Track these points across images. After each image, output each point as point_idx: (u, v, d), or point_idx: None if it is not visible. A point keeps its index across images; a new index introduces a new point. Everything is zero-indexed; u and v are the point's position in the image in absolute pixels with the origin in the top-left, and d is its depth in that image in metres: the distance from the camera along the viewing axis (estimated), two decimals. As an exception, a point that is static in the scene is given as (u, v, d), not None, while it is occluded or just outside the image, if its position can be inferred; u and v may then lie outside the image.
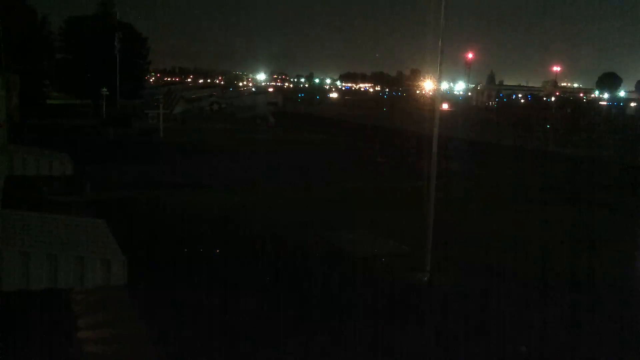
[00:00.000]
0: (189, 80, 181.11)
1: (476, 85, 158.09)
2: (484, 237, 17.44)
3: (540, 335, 11.13)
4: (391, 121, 64.25)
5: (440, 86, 15.62)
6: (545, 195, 24.76)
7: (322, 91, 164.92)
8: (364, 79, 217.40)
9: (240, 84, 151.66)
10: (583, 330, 11.45)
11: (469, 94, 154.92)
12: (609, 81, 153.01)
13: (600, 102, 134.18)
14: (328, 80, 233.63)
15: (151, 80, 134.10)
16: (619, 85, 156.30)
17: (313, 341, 10.47)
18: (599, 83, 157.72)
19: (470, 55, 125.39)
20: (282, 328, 10.91)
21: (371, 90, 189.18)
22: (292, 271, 13.87)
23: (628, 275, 15.28)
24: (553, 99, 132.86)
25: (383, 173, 28.83)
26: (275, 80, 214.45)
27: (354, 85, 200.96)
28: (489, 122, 69.13)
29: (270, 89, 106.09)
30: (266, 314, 11.48)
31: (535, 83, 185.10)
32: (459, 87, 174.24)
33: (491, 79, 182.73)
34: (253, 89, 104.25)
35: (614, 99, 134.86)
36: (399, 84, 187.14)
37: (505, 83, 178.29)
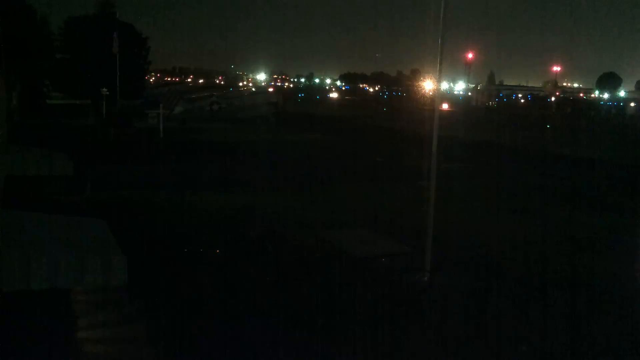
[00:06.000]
0: (189, 80, 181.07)
1: (476, 85, 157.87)
2: (485, 237, 17.46)
3: (540, 335, 11.13)
4: (391, 121, 64.27)
5: (440, 86, 15.61)
6: (546, 195, 24.80)
7: (322, 91, 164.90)
8: (364, 79, 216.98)
9: (240, 84, 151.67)
10: (583, 330, 11.45)
11: (469, 94, 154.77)
12: (609, 81, 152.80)
13: (600, 102, 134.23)
14: (328, 80, 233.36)
15: (151, 80, 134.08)
16: (619, 85, 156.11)
17: (313, 342, 10.47)
18: (599, 83, 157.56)
19: (470, 55, 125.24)
20: (281, 328, 10.91)
21: (371, 90, 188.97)
22: (292, 271, 13.87)
23: (628, 275, 15.27)
24: (553, 98, 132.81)
25: (383, 173, 28.83)
26: (275, 80, 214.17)
27: (352, 85, 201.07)
28: (490, 122, 69.13)
29: (270, 89, 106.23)
30: (266, 314, 11.48)
31: (535, 83, 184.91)
32: (459, 87, 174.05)
33: (491, 79, 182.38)
34: (253, 89, 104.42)
35: (614, 99, 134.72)
36: (399, 84, 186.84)
37: (505, 83, 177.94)
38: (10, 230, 8.53)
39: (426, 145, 14.59)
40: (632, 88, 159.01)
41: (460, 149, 35.03)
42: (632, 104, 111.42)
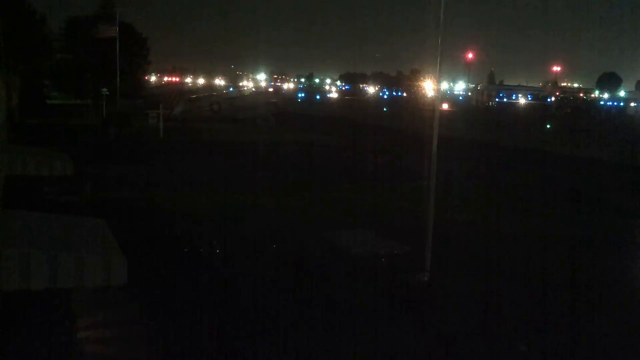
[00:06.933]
0: (189, 80, 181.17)
1: (476, 85, 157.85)
2: (485, 237, 17.46)
3: (540, 336, 11.13)
4: (391, 121, 64.25)
5: (440, 86, 15.61)
6: (546, 195, 24.79)
7: (322, 91, 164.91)
8: (364, 79, 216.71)
9: (240, 84, 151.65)
10: (583, 330, 11.45)
11: (469, 94, 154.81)
12: (609, 81, 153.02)
13: (600, 102, 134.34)
14: (328, 80, 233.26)
15: (151, 80, 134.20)
16: (619, 85, 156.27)
17: (313, 341, 10.46)
18: (599, 83, 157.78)
19: (470, 55, 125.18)
20: (281, 328, 10.91)
21: (371, 90, 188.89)
22: (292, 271, 13.86)
23: (629, 276, 15.28)
24: (553, 98, 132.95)
25: (383, 173, 28.83)
26: (275, 80, 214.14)
27: (352, 85, 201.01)
28: (489, 122, 69.14)
29: (270, 89, 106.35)
30: (266, 313, 11.48)
31: (535, 83, 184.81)
32: (459, 87, 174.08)
33: (491, 79, 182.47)
34: (253, 89, 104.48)
35: (614, 99, 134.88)
36: (399, 84, 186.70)
37: (505, 83, 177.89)
38: (10, 230, 8.54)
39: (426, 145, 14.59)
40: (632, 88, 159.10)
41: (460, 149, 35.02)
42: (632, 104, 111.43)
